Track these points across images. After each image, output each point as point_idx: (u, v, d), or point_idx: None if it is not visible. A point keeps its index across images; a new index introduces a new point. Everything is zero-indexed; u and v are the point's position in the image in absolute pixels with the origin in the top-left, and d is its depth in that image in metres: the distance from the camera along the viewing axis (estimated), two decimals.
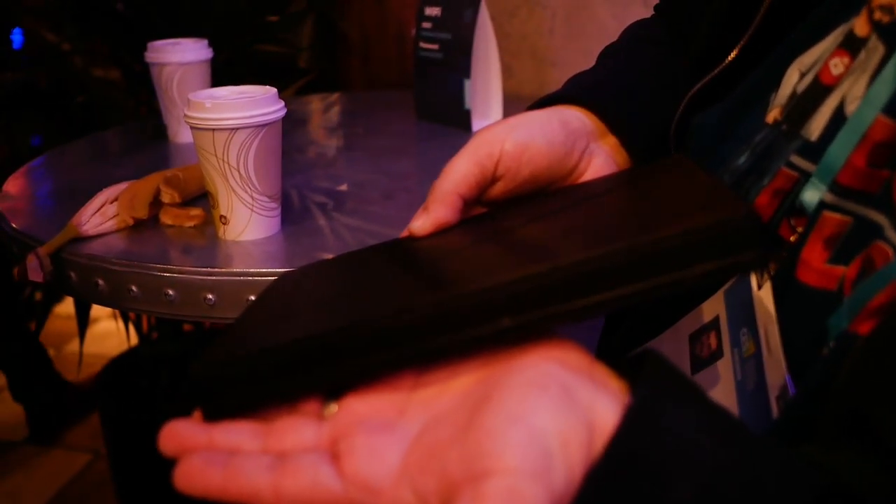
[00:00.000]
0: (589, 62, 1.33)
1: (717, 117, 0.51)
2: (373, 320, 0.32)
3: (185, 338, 1.70)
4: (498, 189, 0.49)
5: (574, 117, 0.53)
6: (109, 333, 2.26)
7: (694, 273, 0.31)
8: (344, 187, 0.95)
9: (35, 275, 0.76)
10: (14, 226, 0.86)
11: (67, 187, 1.00)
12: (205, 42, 1.13)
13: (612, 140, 0.54)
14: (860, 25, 0.42)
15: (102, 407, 1.65)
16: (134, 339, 1.73)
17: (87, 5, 1.30)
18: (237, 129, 0.75)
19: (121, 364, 1.68)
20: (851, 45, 0.42)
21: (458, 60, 1.14)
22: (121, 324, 1.76)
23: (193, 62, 1.11)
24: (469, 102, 1.15)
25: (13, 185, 1.01)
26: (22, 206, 0.95)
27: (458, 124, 1.16)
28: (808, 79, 0.45)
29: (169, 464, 0.31)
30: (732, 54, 0.52)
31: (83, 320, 1.35)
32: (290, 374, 0.33)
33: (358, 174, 1.00)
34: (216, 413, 0.34)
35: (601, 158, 0.52)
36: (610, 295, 0.31)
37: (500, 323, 0.31)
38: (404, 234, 0.48)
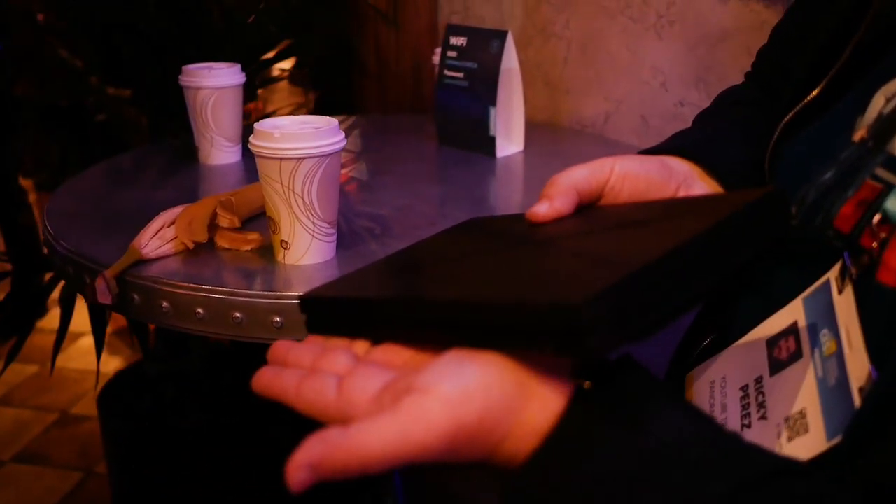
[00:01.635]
0: (601, 90, 1.40)
1: (808, 140, 0.57)
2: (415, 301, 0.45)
3: (191, 355, 1.71)
4: (603, 202, 0.56)
5: (675, 162, 0.60)
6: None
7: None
8: (385, 212, 0.98)
9: (104, 297, 0.78)
10: (67, 246, 0.88)
11: (111, 209, 1.01)
12: (237, 67, 1.15)
13: (710, 181, 0.61)
14: None
15: (104, 423, 1.65)
16: (125, 355, 1.73)
17: (109, 25, 1.31)
18: (304, 158, 0.78)
19: (123, 380, 1.68)
20: None
21: (485, 89, 1.18)
22: (111, 339, 1.76)
23: (228, 86, 1.13)
24: (494, 129, 1.19)
25: (55, 204, 1.02)
26: (69, 226, 0.96)
27: (482, 150, 1.20)
28: (894, 102, 0.50)
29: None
30: (820, 86, 0.57)
31: (100, 335, 1.35)
32: (352, 321, 0.48)
33: (396, 199, 1.03)
34: (311, 329, 0.49)
35: (698, 189, 0.59)
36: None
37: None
38: (530, 214, 0.54)
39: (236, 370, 1.67)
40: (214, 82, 1.12)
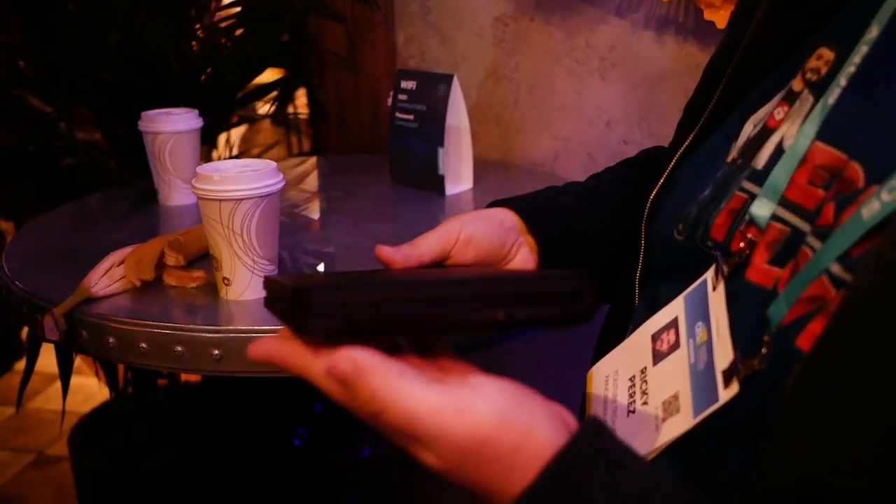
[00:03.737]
0: (549, 130, 1.46)
1: (691, 168, 0.63)
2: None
3: (160, 392, 1.73)
4: (450, 262, 0.65)
5: (508, 217, 0.69)
6: (77, 389, 2.26)
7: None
8: (331, 249, 1.03)
9: (51, 334, 0.82)
10: (22, 287, 0.92)
11: (67, 249, 1.06)
12: (195, 112, 1.20)
13: (529, 239, 0.70)
14: (796, 83, 0.56)
15: (75, 462, 1.67)
16: (103, 395, 1.76)
17: (75, 73, 1.36)
18: (242, 199, 0.82)
19: (93, 419, 1.70)
20: (790, 98, 0.56)
21: (433, 130, 1.23)
22: (88, 380, 1.78)
23: (185, 131, 1.18)
24: (443, 168, 1.24)
25: (14, 247, 1.06)
26: (26, 267, 1.00)
27: (432, 189, 1.25)
28: (759, 126, 0.57)
29: None
30: (700, 124, 0.65)
31: (66, 374, 1.38)
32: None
33: (342, 236, 1.08)
34: (267, 305, 0.52)
35: (525, 251, 0.69)
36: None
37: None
38: (378, 252, 0.61)
39: (205, 406, 1.70)
40: (172, 127, 1.17)
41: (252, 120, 1.88)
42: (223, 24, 1.40)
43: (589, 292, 0.47)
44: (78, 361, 2.12)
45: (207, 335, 0.81)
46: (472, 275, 0.47)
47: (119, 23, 1.33)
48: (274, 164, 0.86)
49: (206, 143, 1.71)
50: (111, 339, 0.83)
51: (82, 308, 0.86)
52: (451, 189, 1.25)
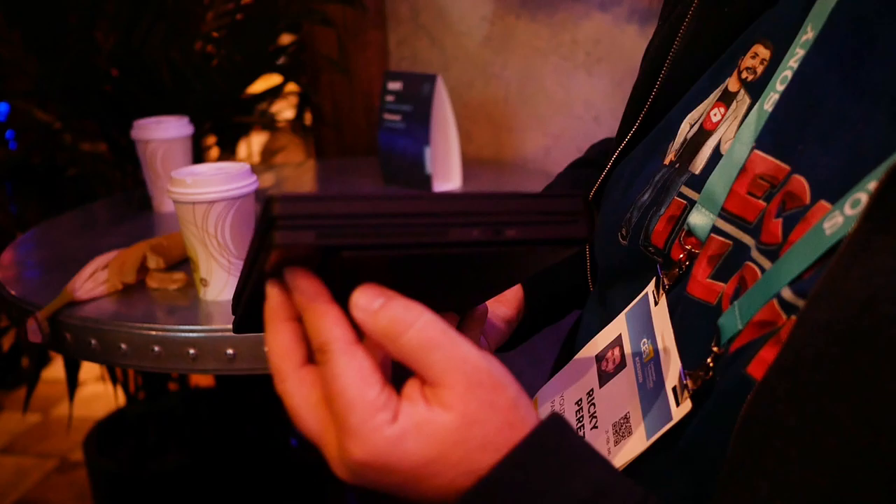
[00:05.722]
0: (539, 126, 1.46)
1: (629, 169, 0.62)
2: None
3: (171, 396, 1.77)
4: None
5: None
6: (96, 396, 2.32)
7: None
8: None
9: (34, 336, 0.85)
10: (12, 293, 0.95)
11: (60, 256, 1.09)
12: (186, 119, 1.23)
13: None
14: (732, 83, 0.54)
15: (90, 467, 1.71)
16: (122, 401, 1.80)
17: (76, 86, 1.40)
18: (214, 201, 0.85)
19: (108, 425, 1.74)
20: (726, 99, 0.54)
21: (419, 130, 1.25)
22: (108, 387, 1.83)
23: (175, 138, 1.21)
24: (430, 168, 1.25)
25: (10, 255, 1.10)
26: (19, 274, 1.03)
27: (420, 187, 1.27)
28: (696, 127, 0.56)
29: None
30: (637, 123, 0.64)
31: (72, 381, 1.42)
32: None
33: None
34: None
35: None
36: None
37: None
38: None
39: (215, 409, 1.73)
40: (163, 134, 1.20)
41: (273, 128, 1.91)
42: (215, 34, 1.43)
43: (584, 213, 0.41)
44: (98, 369, 2.18)
45: (183, 335, 0.83)
46: (457, 194, 0.40)
47: (119, 35, 1.37)
48: (248, 166, 0.88)
49: (226, 151, 1.74)
50: (93, 341, 0.86)
51: (67, 311, 0.88)
52: (438, 188, 1.27)
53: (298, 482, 1.50)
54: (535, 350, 1.49)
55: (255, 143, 2.59)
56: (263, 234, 0.38)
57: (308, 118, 1.75)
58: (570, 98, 1.38)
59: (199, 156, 1.47)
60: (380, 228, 0.38)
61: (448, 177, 1.29)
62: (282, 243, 0.36)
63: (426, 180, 1.26)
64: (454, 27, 1.47)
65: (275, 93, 1.67)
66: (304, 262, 0.39)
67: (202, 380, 1.99)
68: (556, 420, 0.40)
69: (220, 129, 1.61)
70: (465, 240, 0.39)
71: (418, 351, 0.38)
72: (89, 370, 2.29)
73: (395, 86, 1.29)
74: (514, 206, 0.40)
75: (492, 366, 0.39)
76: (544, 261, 0.46)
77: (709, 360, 0.46)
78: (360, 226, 0.37)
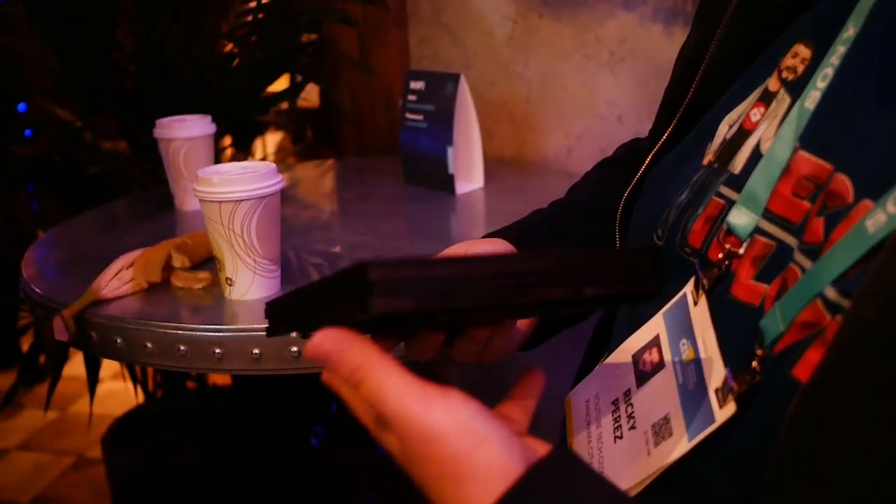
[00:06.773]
0: (561, 126, 1.45)
1: (665, 170, 0.62)
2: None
3: (189, 394, 1.77)
4: None
5: (504, 247, 0.69)
6: (114, 394, 2.32)
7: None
8: (338, 249, 1.04)
9: (61, 335, 0.84)
10: (38, 291, 0.95)
11: (84, 254, 1.09)
12: (208, 118, 1.23)
13: None
14: (772, 83, 0.54)
15: (108, 464, 1.71)
16: (140, 398, 1.80)
17: (96, 83, 1.40)
18: (241, 200, 0.84)
19: (125, 422, 1.75)
20: (766, 98, 0.54)
21: (441, 129, 1.24)
22: (126, 384, 1.83)
23: (198, 137, 1.21)
24: (452, 167, 1.24)
25: (35, 253, 1.10)
26: (43, 272, 1.03)
27: (442, 187, 1.26)
28: (735, 128, 0.55)
29: None
30: (673, 123, 0.63)
31: (93, 378, 1.42)
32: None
33: (351, 236, 1.09)
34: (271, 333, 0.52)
35: None
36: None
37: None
38: None
39: (232, 408, 1.73)
40: (186, 133, 1.20)
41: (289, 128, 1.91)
42: (238, 33, 1.43)
43: (657, 272, 0.46)
44: (116, 366, 2.18)
45: (209, 334, 0.83)
46: (538, 254, 0.44)
47: (138, 32, 1.37)
48: (273, 165, 0.88)
49: (242, 151, 1.74)
50: (118, 340, 0.86)
51: (92, 310, 0.88)
52: (461, 187, 1.26)
53: (317, 482, 1.50)
54: (554, 349, 1.49)
55: (269, 143, 2.60)
56: (355, 295, 0.40)
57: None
58: (593, 98, 1.37)
59: (216, 156, 1.47)
60: (473, 291, 0.41)
61: (470, 177, 1.28)
62: (381, 311, 0.39)
63: (449, 180, 1.25)
64: (476, 26, 1.46)
65: (294, 91, 1.67)
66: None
67: (220, 378, 1.99)
68: (536, 470, 0.40)
69: (236, 128, 1.61)
70: (549, 298, 0.43)
71: (370, 400, 0.42)
72: (107, 367, 2.29)
73: (417, 85, 1.29)
74: (593, 265, 0.45)
75: (433, 419, 0.40)
76: (610, 307, 0.50)
77: (754, 362, 0.45)
78: (455, 290, 0.40)
